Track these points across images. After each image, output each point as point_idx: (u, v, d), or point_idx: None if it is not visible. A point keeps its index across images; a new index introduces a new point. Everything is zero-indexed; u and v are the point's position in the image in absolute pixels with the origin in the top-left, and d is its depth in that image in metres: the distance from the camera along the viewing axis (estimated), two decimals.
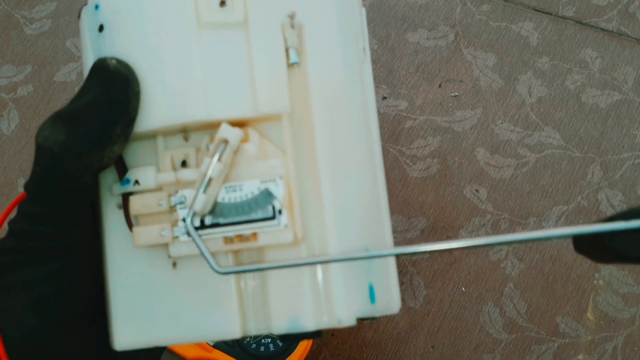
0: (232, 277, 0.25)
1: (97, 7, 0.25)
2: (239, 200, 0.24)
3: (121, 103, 0.23)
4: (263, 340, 0.53)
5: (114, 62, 0.24)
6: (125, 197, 0.25)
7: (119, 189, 0.25)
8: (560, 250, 0.54)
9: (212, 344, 0.53)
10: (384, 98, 0.62)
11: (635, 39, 0.61)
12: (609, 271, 0.53)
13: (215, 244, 0.24)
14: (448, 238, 0.56)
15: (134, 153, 0.26)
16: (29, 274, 0.24)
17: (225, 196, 0.24)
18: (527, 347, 0.52)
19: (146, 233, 0.25)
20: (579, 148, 0.58)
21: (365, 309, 0.25)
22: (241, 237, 0.24)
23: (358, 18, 0.29)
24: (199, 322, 0.25)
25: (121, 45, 0.25)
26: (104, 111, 0.23)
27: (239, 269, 0.24)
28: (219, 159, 0.23)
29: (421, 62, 0.64)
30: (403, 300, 0.54)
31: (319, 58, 0.25)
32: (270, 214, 0.24)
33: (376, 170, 0.28)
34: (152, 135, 0.25)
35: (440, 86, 0.62)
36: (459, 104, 0.61)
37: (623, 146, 0.57)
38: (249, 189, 0.24)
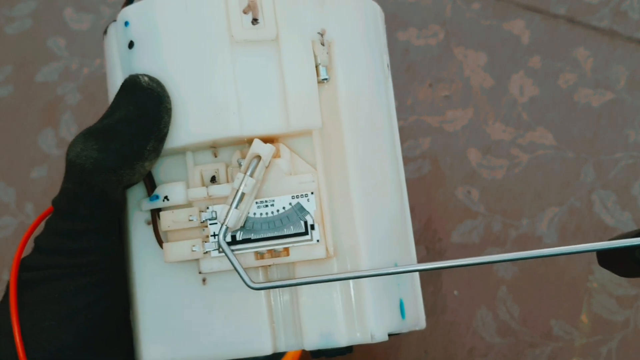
0: (262, 293, 0.24)
1: (126, 23, 0.25)
2: (270, 215, 0.24)
3: (153, 119, 0.24)
4: None
5: (146, 79, 0.24)
6: (154, 213, 0.25)
7: (148, 205, 0.25)
8: None
9: None
10: None
11: (628, 37, 0.61)
12: (603, 273, 0.53)
13: (246, 259, 0.24)
14: (440, 240, 0.55)
15: (163, 168, 0.26)
16: (58, 289, 0.25)
17: (257, 211, 0.24)
18: (520, 351, 0.51)
19: (177, 249, 0.25)
20: (572, 148, 0.57)
21: (397, 325, 0.26)
22: (272, 253, 0.24)
23: (383, 36, 0.29)
24: (229, 338, 0.25)
25: (152, 62, 0.25)
26: (137, 127, 0.24)
27: (273, 285, 0.23)
28: (252, 175, 0.23)
29: (411, 61, 0.63)
30: None
31: (347, 74, 0.25)
32: (302, 229, 0.24)
33: (402, 184, 0.28)
34: (181, 151, 0.25)
35: (430, 86, 0.61)
36: (450, 103, 0.60)
37: (616, 146, 0.57)
38: (280, 204, 0.24)
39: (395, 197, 0.27)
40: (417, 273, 0.29)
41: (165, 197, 0.25)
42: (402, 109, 0.61)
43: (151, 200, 0.25)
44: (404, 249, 0.28)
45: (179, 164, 0.25)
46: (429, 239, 0.55)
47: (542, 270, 0.54)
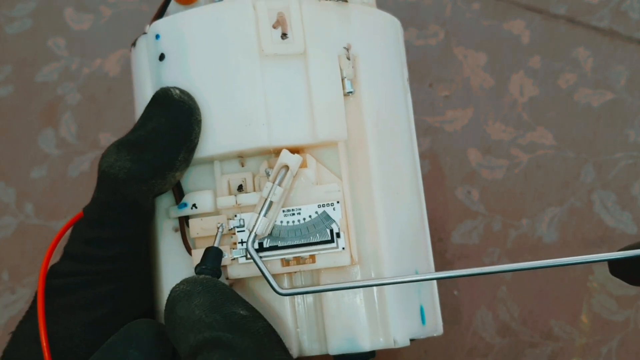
0: (286, 299, 0.25)
1: (157, 36, 0.26)
2: (297, 223, 0.25)
3: (184, 131, 0.25)
4: None
5: (177, 91, 0.25)
6: (182, 220, 0.26)
7: (176, 212, 0.26)
8: (553, 252, 0.54)
9: None
10: None
11: (628, 37, 0.61)
12: (603, 273, 0.53)
13: (273, 266, 0.25)
14: (440, 241, 0.55)
15: (191, 177, 0.27)
16: (86, 296, 0.25)
17: (284, 220, 0.25)
18: (520, 351, 0.51)
19: None
20: (572, 148, 0.57)
21: (417, 330, 0.27)
22: (298, 260, 0.25)
23: (402, 50, 0.30)
24: None
25: (183, 75, 0.26)
26: (168, 139, 0.25)
27: (301, 291, 0.24)
28: (280, 184, 0.24)
29: (411, 61, 0.63)
30: None
31: (371, 88, 0.27)
32: (328, 237, 0.25)
33: (420, 193, 0.30)
34: (209, 161, 0.26)
35: (430, 86, 0.61)
36: (450, 103, 0.60)
37: (616, 146, 0.57)
38: (306, 212, 0.25)
39: (415, 206, 0.29)
40: (435, 280, 0.30)
41: (194, 205, 0.26)
42: None
43: (180, 208, 0.26)
44: (423, 256, 0.29)
45: (206, 173, 0.26)
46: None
47: (542, 270, 0.53)
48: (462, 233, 0.55)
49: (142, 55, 0.27)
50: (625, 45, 0.60)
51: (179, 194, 0.27)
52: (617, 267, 0.24)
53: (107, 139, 0.62)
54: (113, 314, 0.26)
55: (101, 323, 0.26)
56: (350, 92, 0.26)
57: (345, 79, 0.26)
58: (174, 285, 0.26)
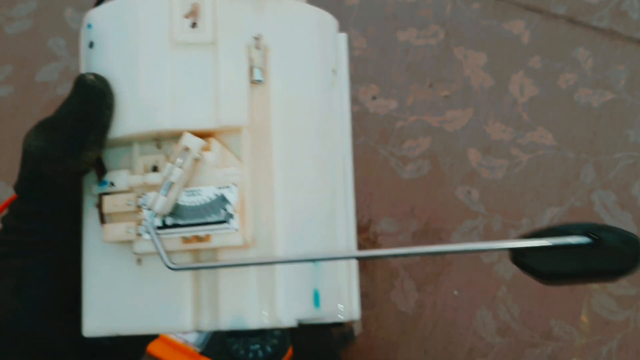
0: (188, 276, 0.27)
1: (89, 25, 0.28)
2: (197, 204, 0.26)
3: (94, 114, 0.27)
4: (252, 346, 0.52)
5: (91, 77, 0.27)
6: (102, 197, 0.28)
7: (97, 190, 0.28)
8: None
9: (199, 350, 0.52)
10: (374, 98, 0.62)
11: (627, 37, 0.61)
12: None
13: (174, 243, 0.26)
14: (440, 241, 0.55)
15: (114, 158, 0.28)
16: (15, 263, 0.28)
17: (186, 200, 0.26)
18: (520, 351, 0.51)
19: (114, 230, 0.27)
20: (572, 148, 0.57)
21: (308, 313, 0.27)
22: (197, 238, 0.26)
23: (329, 43, 0.31)
24: (157, 314, 0.27)
25: (106, 61, 0.28)
26: (78, 121, 0.27)
27: (188, 267, 0.26)
28: (180, 166, 0.26)
29: (411, 61, 0.63)
30: (395, 304, 0.54)
31: (282, 78, 0.27)
32: (223, 217, 0.26)
33: (339, 183, 0.30)
34: (128, 142, 0.27)
35: (430, 86, 0.61)
36: (450, 103, 0.60)
37: (616, 146, 0.57)
38: (206, 194, 0.26)
39: (326, 195, 0.29)
40: (354, 266, 0.31)
41: (112, 183, 0.27)
42: (402, 109, 0.61)
43: (100, 185, 0.28)
44: (330, 244, 0.30)
45: (128, 154, 0.28)
46: (429, 238, 0.55)
47: None
48: (462, 233, 0.55)
49: (82, 44, 0.30)
50: (625, 45, 0.60)
51: (101, 173, 0.28)
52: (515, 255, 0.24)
53: None
54: (36, 282, 0.28)
55: (25, 289, 0.28)
56: (259, 80, 0.27)
57: (255, 68, 0.27)
58: (93, 257, 0.28)
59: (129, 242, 0.28)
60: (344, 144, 0.31)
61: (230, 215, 0.26)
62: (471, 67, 0.62)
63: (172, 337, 0.51)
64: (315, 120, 0.29)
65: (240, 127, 0.27)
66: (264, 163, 0.27)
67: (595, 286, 0.53)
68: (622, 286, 0.52)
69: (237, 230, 0.26)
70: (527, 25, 0.62)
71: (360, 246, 0.56)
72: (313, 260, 0.27)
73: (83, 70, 0.29)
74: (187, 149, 0.26)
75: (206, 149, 0.26)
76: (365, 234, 0.56)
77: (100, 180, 0.28)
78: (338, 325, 0.28)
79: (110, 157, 0.28)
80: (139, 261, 0.28)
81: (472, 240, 0.55)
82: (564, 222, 0.56)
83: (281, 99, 0.27)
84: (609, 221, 0.55)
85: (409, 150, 0.59)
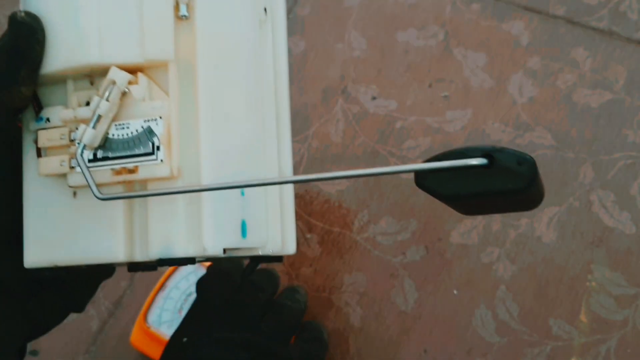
0: (121, 207, 0.28)
1: None
2: (125, 137, 0.27)
3: (24, 50, 0.27)
4: None
5: (22, 14, 0.28)
6: (38, 132, 0.29)
7: (34, 126, 0.29)
8: (552, 252, 0.54)
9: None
10: (374, 98, 0.62)
11: (626, 38, 0.61)
12: (602, 273, 0.53)
13: (104, 175, 0.27)
14: (439, 240, 0.55)
15: (50, 95, 0.29)
16: None
17: (116, 133, 0.27)
18: (520, 350, 0.51)
19: (48, 163, 0.28)
20: (571, 148, 0.57)
21: (235, 242, 0.29)
22: (127, 170, 0.27)
23: None
24: (92, 246, 0.28)
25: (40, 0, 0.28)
26: (9, 57, 0.27)
27: (114, 196, 0.27)
28: (107, 99, 0.26)
29: (411, 61, 0.63)
30: (395, 303, 0.54)
31: (208, 14, 0.28)
32: (150, 150, 0.27)
33: (269, 116, 0.32)
34: (64, 79, 0.28)
35: (430, 86, 0.62)
36: (449, 104, 0.61)
37: (615, 146, 0.57)
38: (134, 127, 0.27)
39: (253, 128, 0.31)
40: (291, 202, 0.33)
41: (47, 119, 0.28)
42: (402, 109, 0.61)
43: (37, 122, 0.29)
44: (258, 176, 0.31)
45: (63, 90, 0.29)
46: (428, 238, 0.56)
47: (541, 270, 0.54)
48: (461, 233, 0.55)
49: None
50: (624, 45, 0.61)
51: (38, 110, 0.29)
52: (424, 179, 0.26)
53: None
54: None
55: None
56: (185, 15, 0.28)
57: (181, 4, 0.28)
58: (31, 192, 0.30)
59: (64, 176, 0.28)
60: (280, 80, 0.32)
61: (157, 147, 0.27)
62: (470, 67, 0.62)
63: (156, 331, 0.51)
64: (242, 56, 0.30)
65: (166, 61, 0.27)
66: (190, 97, 0.28)
67: (594, 285, 0.53)
68: (621, 286, 0.53)
69: (162, 161, 0.27)
70: (527, 25, 0.62)
71: (361, 245, 0.56)
72: (237, 187, 0.27)
73: (21, 9, 0.29)
74: (113, 83, 0.26)
75: (133, 82, 0.27)
76: (365, 234, 0.56)
77: (37, 117, 0.29)
78: (276, 259, 0.29)
79: (46, 94, 0.29)
80: (74, 195, 0.28)
81: (471, 239, 0.55)
82: (564, 222, 0.57)
83: (207, 35, 0.28)
84: (608, 221, 0.55)
85: (409, 150, 0.59)
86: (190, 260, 0.27)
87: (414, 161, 0.58)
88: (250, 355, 0.39)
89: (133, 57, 0.27)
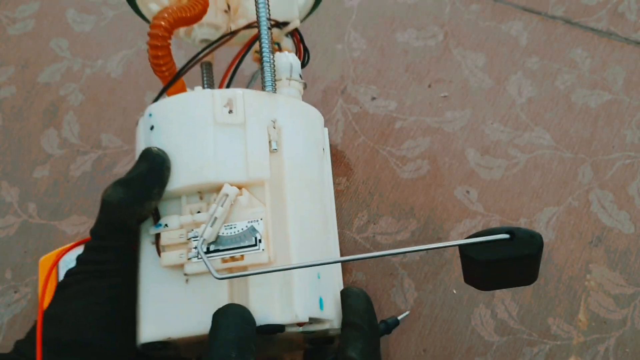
0: (225, 288, 0.36)
1: (150, 114, 0.39)
2: (233, 234, 0.36)
3: (158, 173, 0.37)
4: None
5: (155, 149, 0.38)
6: (157, 235, 0.37)
7: (153, 230, 0.38)
8: (551, 252, 0.54)
9: None
10: (373, 99, 0.62)
11: (625, 38, 0.61)
12: (601, 272, 0.53)
13: (216, 263, 0.36)
14: (439, 240, 0.55)
15: (167, 208, 0.38)
16: (89, 287, 0.36)
17: (225, 232, 0.36)
18: (519, 349, 0.51)
19: (170, 257, 0.37)
20: (570, 148, 0.58)
21: (316, 313, 0.36)
22: (233, 258, 0.36)
23: (320, 130, 0.43)
24: (203, 319, 0.34)
25: (163, 138, 0.38)
26: (147, 179, 0.37)
27: (229, 276, 0.34)
28: (222, 205, 0.36)
29: (410, 62, 0.63)
30: (394, 303, 0.54)
31: (290, 148, 0.39)
32: (253, 242, 0.36)
33: (329, 216, 0.42)
34: (178, 196, 0.38)
35: (429, 86, 0.62)
36: (448, 104, 0.61)
37: (613, 146, 0.57)
38: (240, 226, 0.36)
39: (321, 226, 0.40)
40: (339, 279, 0.41)
41: (166, 224, 0.37)
42: (402, 109, 0.61)
43: (156, 226, 0.38)
44: (326, 258, 0.40)
45: (177, 204, 0.38)
46: (428, 238, 0.56)
47: (540, 269, 0.54)
48: (460, 232, 0.56)
49: (141, 127, 0.40)
50: (623, 46, 0.61)
51: (156, 218, 0.38)
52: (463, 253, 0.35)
53: (109, 138, 0.63)
54: (106, 301, 0.36)
55: (97, 306, 0.36)
56: (275, 149, 0.38)
57: (272, 141, 0.39)
58: (148, 281, 0.37)
59: (180, 267, 0.36)
60: (329, 195, 0.44)
61: (259, 240, 0.36)
62: (470, 67, 0.62)
63: None
64: (313, 177, 0.41)
65: (263, 180, 0.37)
66: (280, 204, 0.37)
67: (592, 285, 0.53)
68: (620, 285, 0.53)
69: (263, 250, 0.35)
70: (525, 26, 0.63)
71: (360, 245, 0.56)
72: (315, 265, 0.37)
73: (142, 146, 0.39)
74: (226, 195, 0.36)
75: (239, 195, 0.37)
76: (365, 234, 0.56)
77: (156, 223, 0.38)
78: (280, 330, 0.35)
79: (162, 207, 0.38)
80: (186, 281, 0.36)
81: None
82: (563, 221, 0.57)
83: (290, 162, 0.39)
84: (606, 221, 0.55)
85: (408, 150, 0.59)
86: (281, 328, 0.35)
87: (412, 160, 0.59)
88: None
89: (240, 178, 0.37)
